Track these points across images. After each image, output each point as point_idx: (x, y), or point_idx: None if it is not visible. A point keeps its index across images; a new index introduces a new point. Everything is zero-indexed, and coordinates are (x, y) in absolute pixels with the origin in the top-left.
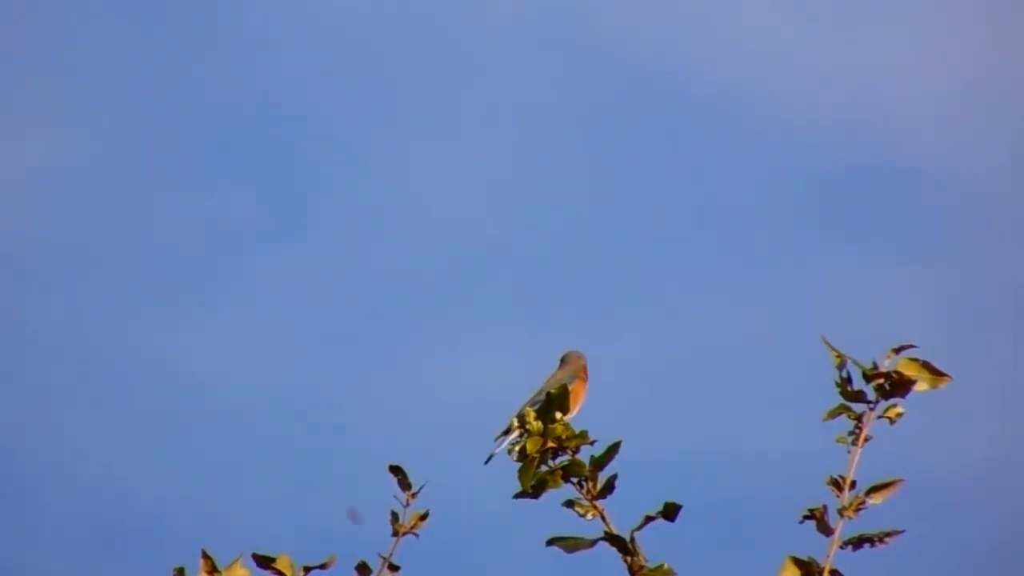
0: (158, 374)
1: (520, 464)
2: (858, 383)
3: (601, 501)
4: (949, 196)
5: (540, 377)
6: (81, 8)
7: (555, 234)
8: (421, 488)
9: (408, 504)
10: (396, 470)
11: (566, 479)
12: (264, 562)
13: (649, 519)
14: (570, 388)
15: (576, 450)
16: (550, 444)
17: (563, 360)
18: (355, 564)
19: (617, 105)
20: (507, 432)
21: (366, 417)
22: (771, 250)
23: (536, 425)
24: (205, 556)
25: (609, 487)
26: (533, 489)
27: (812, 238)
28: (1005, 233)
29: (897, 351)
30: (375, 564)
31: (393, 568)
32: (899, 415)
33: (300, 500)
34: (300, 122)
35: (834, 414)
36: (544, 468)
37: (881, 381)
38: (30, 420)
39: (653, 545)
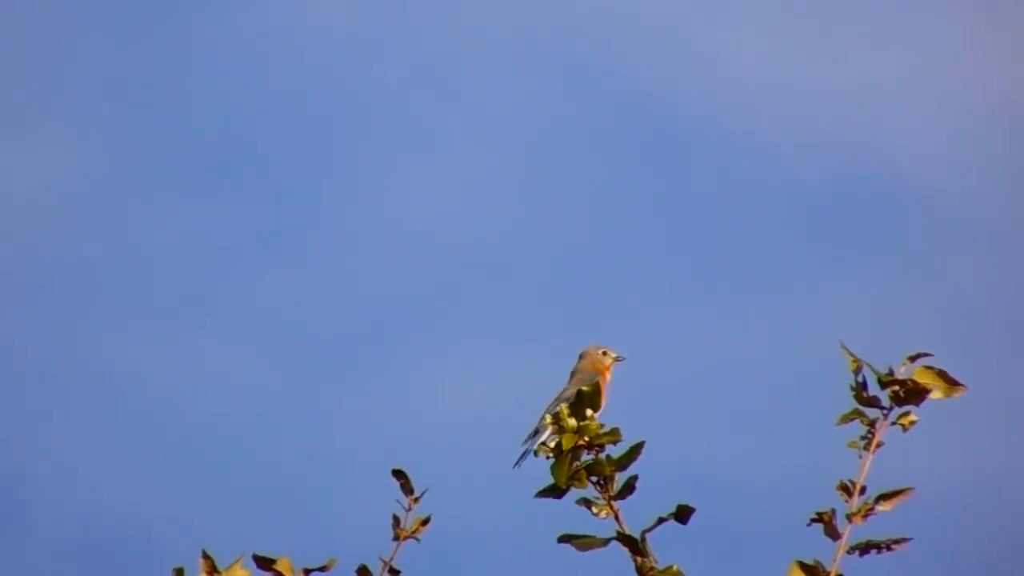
0: (146, 391)
1: (554, 460)
2: (873, 389)
3: (618, 502)
4: (940, 213)
5: (533, 391)
6: (67, 30)
7: (543, 251)
8: (423, 493)
9: (410, 508)
10: (399, 474)
11: (588, 477)
12: (264, 563)
13: (661, 520)
14: (599, 383)
15: (600, 448)
16: (582, 441)
17: (581, 356)
18: (356, 568)
19: (605, 123)
20: (536, 433)
21: (353, 433)
22: (762, 267)
23: (571, 422)
24: (205, 556)
25: (629, 488)
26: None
27: (803, 255)
28: (996, 250)
29: (913, 359)
30: (376, 568)
31: (394, 572)
32: (912, 422)
33: (289, 516)
34: (284, 139)
35: (848, 418)
36: (575, 464)
37: (896, 388)
38: (18, 436)
39: (659, 549)
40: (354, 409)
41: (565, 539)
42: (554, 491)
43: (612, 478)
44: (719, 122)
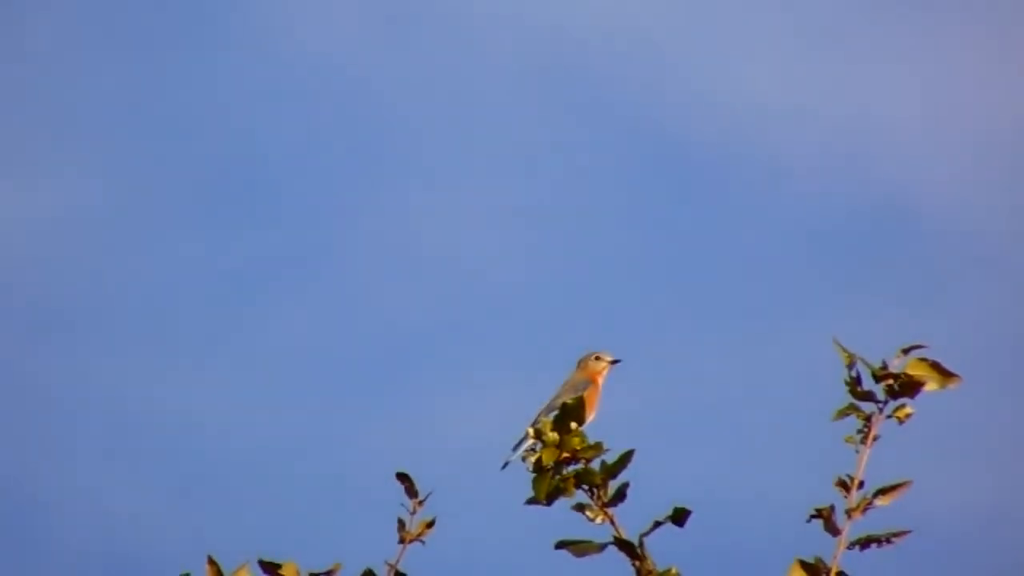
0: (162, 418)
1: (535, 474)
2: (867, 384)
3: (615, 510)
4: (950, 244)
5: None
6: (77, 60)
7: (555, 280)
8: (428, 496)
9: (415, 512)
10: (403, 477)
11: (577, 486)
12: (270, 568)
13: (658, 524)
14: (584, 395)
15: (587, 460)
16: (565, 455)
17: (578, 364)
18: (361, 571)
19: (618, 153)
20: (523, 440)
21: (367, 461)
22: (771, 298)
23: (552, 436)
24: (211, 562)
25: (620, 495)
26: (547, 498)
27: (814, 281)
28: (1009, 276)
29: (907, 351)
30: (381, 572)
31: None
32: (908, 415)
33: (301, 542)
34: (302, 167)
35: (843, 414)
36: (558, 477)
37: (890, 381)
38: (34, 463)
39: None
40: (369, 435)
41: (562, 545)
42: (542, 501)
43: (604, 486)
44: (730, 149)
